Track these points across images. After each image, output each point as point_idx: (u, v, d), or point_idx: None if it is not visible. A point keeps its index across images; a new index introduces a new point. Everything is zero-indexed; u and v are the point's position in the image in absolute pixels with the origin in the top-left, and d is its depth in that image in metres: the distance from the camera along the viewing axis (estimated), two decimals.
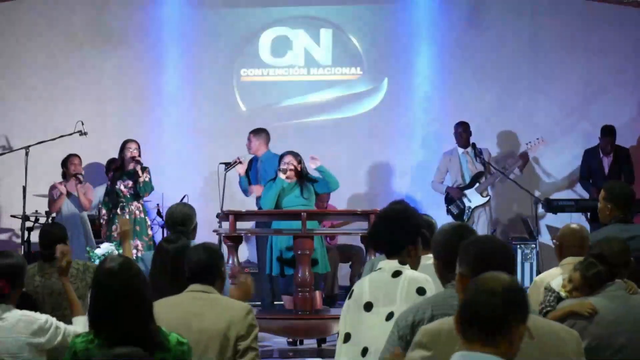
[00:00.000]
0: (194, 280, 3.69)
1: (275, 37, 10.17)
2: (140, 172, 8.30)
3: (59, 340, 3.83)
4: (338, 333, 3.65)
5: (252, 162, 8.55)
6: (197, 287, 3.65)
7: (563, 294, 3.95)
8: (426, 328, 2.75)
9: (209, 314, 3.57)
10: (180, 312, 3.56)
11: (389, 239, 3.61)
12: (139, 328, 2.92)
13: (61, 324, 3.88)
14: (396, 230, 3.59)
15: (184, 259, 3.80)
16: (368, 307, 3.52)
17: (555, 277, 4.27)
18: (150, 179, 8.43)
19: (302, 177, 7.51)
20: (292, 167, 7.44)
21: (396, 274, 3.56)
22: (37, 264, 5.03)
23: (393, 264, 3.57)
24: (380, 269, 3.61)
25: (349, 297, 3.63)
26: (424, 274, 3.58)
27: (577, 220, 8.86)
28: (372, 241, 3.80)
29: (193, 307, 3.60)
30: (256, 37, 10.16)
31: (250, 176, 8.49)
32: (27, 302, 4.20)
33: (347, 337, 3.55)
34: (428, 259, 4.16)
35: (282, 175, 7.41)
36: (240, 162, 8.37)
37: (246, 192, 8.55)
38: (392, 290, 3.50)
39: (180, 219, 4.91)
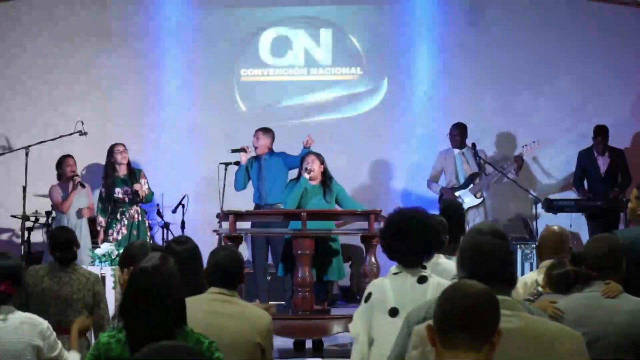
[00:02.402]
0: (218, 284, 3.71)
1: (275, 37, 10.18)
2: (140, 185, 8.33)
3: (55, 355, 3.80)
4: (357, 335, 3.59)
5: (253, 160, 8.52)
6: (222, 290, 3.68)
7: (541, 289, 3.99)
8: (418, 328, 2.78)
9: (237, 318, 3.61)
10: (209, 313, 3.57)
11: (416, 253, 3.59)
12: (163, 329, 2.88)
13: (59, 343, 3.86)
14: (423, 245, 3.58)
15: (194, 260, 3.84)
16: (393, 312, 3.50)
17: (531, 281, 4.41)
18: (148, 184, 8.48)
19: (325, 178, 7.46)
20: (315, 168, 7.38)
21: (422, 279, 3.56)
22: (48, 266, 5.02)
23: (415, 269, 3.58)
24: (399, 272, 3.59)
25: (366, 300, 3.59)
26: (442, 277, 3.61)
27: (576, 221, 8.94)
28: (395, 254, 3.67)
29: (221, 308, 3.63)
30: (256, 37, 10.17)
31: (251, 174, 8.48)
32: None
33: (372, 342, 3.53)
34: (438, 257, 4.18)
35: (306, 175, 7.34)
36: (245, 151, 8.37)
37: (239, 185, 8.49)
38: (421, 297, 3.48)
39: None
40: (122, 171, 8.42)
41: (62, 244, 4.99)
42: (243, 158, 8.39)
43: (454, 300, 2.29)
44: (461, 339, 2.23)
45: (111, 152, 8.46)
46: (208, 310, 3.57)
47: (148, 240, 8.23)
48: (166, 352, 2.23)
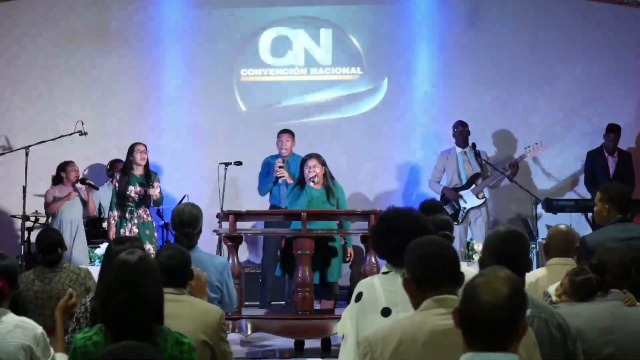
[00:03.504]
0: (164, 284, 3.69)
1: (275, 37, 10.18)
2: (155, 190, 8.33)
3: None
4: (343, 335, 3.59)
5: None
6: (170, 290, 3.65)
7: (554, 298, 3.96)
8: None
9: (186, 317, 3.58)
10: None
11: (402, 252, 3.58)
12: (141, 324, 2.88)
13: (52, 351, 3.80)
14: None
15: None
16: (386, 312, 3.48)
17: (541, 277, 4.39)
18: (160, 189, 8.42)
19: (327, 181, 7.39)
20: (318, 172, 7.32)
21: None
22: (36, 269, 5.04)
23: (403, 268, 3.57)
24: (388, 272, 3.59)
25: (356, 300, 3.58)
26: None
27: (577, 221, 8.93)
28: (383, 252, 3.65)
29: (169, 309, 3.61)
30: (256, 37, 10.17)
31: (271, 175, 8.46)
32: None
33: None
34: None
35: (312, 185, 7.28)
36: (284, 167, 8.35)
37: (265, 190, 8.48)
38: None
39: (189, 221, 4.89)
40: (139, 171, 8.39)
41: (47, 246, 5.02)
42: (286, 175, 8.33)
43: (478, 302, 2.21)
44: (485, 341, 2.19)
45: (131, 150, 8.43)
46: None
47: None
48: (130, 351, 2.20)
